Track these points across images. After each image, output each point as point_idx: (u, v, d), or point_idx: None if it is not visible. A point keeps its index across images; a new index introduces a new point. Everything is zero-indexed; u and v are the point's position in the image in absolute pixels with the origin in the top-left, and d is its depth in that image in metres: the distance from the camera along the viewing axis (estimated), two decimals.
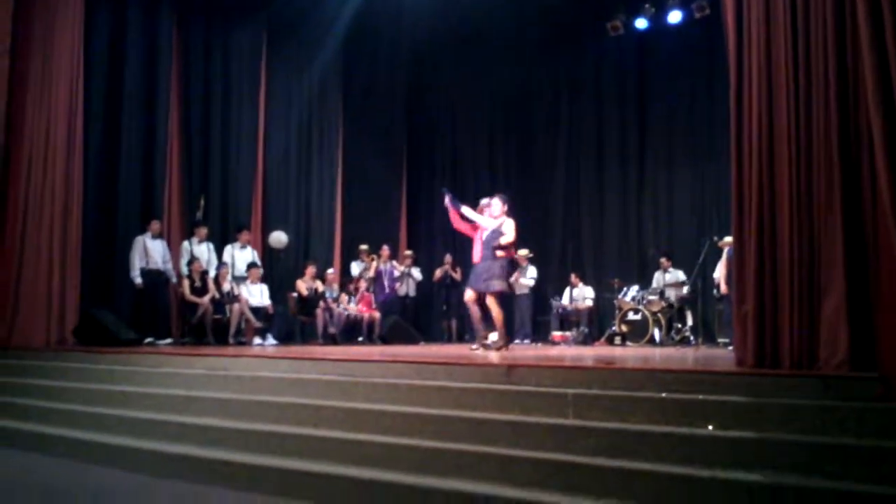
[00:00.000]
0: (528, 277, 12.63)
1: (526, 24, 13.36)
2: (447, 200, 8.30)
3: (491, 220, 7.95)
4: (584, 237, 13.69)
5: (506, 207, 7.96)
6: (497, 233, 7.82)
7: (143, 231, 9.65)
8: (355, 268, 12.25)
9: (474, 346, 7.99)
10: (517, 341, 12.31)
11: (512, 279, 12.52)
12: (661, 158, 13.17)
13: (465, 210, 8.19)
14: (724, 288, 9.81)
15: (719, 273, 10.23)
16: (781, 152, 4.64)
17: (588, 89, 13.96)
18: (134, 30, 10.42)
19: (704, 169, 12.56)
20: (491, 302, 7.71)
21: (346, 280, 12.08)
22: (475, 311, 7.91)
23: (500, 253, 7.74)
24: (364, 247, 12.32)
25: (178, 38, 11.07)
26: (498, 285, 7.70)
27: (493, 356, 6.56)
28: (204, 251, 10.14)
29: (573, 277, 12.45)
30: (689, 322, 11.24)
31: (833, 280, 4.35)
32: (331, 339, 10.79)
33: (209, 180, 11.33)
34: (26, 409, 6.26)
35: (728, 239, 9.49)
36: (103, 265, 9.74)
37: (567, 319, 12.31)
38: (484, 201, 8.33)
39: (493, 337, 8.00)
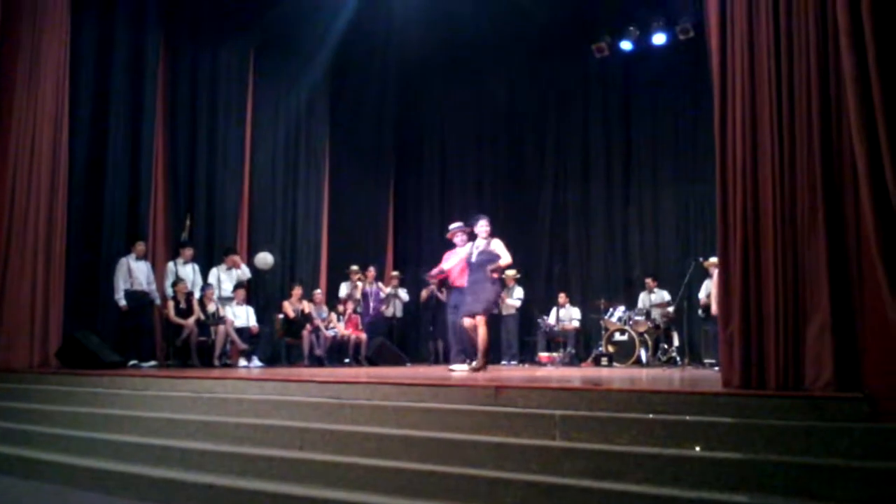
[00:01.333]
0: (514, 298, 12.63)
1: (514, 45, 13.47)
2: (431, 280, 8.59)
3: (468, 246, 8.11)
4: (570, 257, 13.71)
5: (490, 228, 8.03)
6: (487, 253, 7.84)
7: (127, 252, 9.59)
8: (344, 288, 12.21)
9: (453, 368, 7.97)
10: (504, 362, 12.29)
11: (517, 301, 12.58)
12: (647, 179, 13.24)
13: (446, 265, 8.54)
14: (714, 309, 9.80)
15: (704, 294, 10.25)
16: (765, 174, 4.69)
17: (574, 110, 14.04)
18: (121, 46, 10.37)
19: (689, 190, 12.64)
20: (481, 323, 7.67)
21: (335, 301, 12.02)
22: (484, 333, 7.72)
23: (495, 275, 7.81)
24: (354, 267, 12.29)
25: (165, 55, 11.04)
26: (491, 307, 7.82)
27: (479, 378, 6.55)
28: (189, 272, 10.09)
29: (562, 297, 12.45)
30: (676, 343, 11.26)
31: (818, 301, 4.38)
32: (317, 361, 10.73)
33: (195, 200, 11.26)
34: (8, 433, 6.17)
35: (714, 259, 9.53)
36: (87, 286, 9.64)
37: (553, 340, 12.30)
38: (454, 225, 8.66)
39: (461, 367, 7.96)
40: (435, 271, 8.74)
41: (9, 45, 8.60)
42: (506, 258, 7.85)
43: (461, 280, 8.20)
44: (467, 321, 7.76)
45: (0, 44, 8.50)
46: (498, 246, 7.90)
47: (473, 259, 7.92)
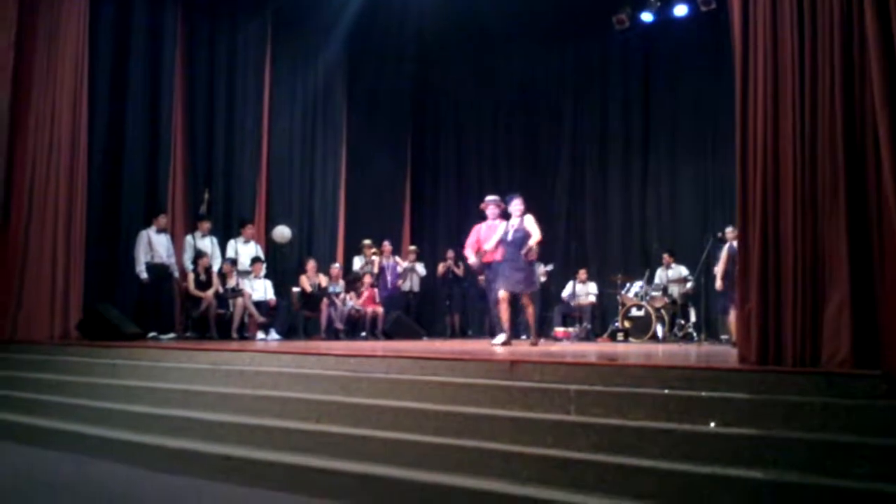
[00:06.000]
0: (539, 273, 12.52)
1: (532, 18, 13.30)
2: (473, 266, 8.84)
3: (505, 224, 8.22)
4: (587, 232, 13.64)
5: (524, 207, 8.24)
6: (521, 230, 8.03)
7: (147, 225, 9.64)
8: (357, 263, 12.24)
9: (495, 342, 8.11)
10: (523, 337, 12.27)
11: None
12: (665, 154, 13.11)
13: (487, 245, 8.33)
14: (719, 284, 9.75)
15: (719, 268, 10.18)
16: (786, 150, 4.63)
17: (593, 84, 13.90)
18: (139, 22, 10.36)
19: (708, 165, 12.51)
20: (527, 301, 8.15)
21: (350, 276, 12.02)
22: (505, 309, 8.02)
23: (532, 256, 8.05)
24: (367, 241, 12.30)
25: (182, 31, 11.03)
26: (534, 285, 8.22)
27: (501, 351, 6.63)
28: (207, 245, 10.12)
29: (582, 273, 12.41)
30: (693, 318, 11.22)
31: (837, 278, 4.34)
32: (334, 335, 10.79)
33: (213, 174, 11.31)
34: (30, 404, 6.28)
35: (730, 230, 9.44)
36: (107, 259, 9.72)
37: (569, 315, 12.28)
38: (490, 198, 8.66)
39: (502, 338, 8.05)
40: (472, 249, 8.51)
41: (29, 18, 8.62)
42: (535, 235, 7.99)
43: (496, 255, 8.24)
44: (501, 294, 7.97)
45: (20, 16, 8.51)
46: (529, 222, 8.09)
47: (510, 237, 8.07)
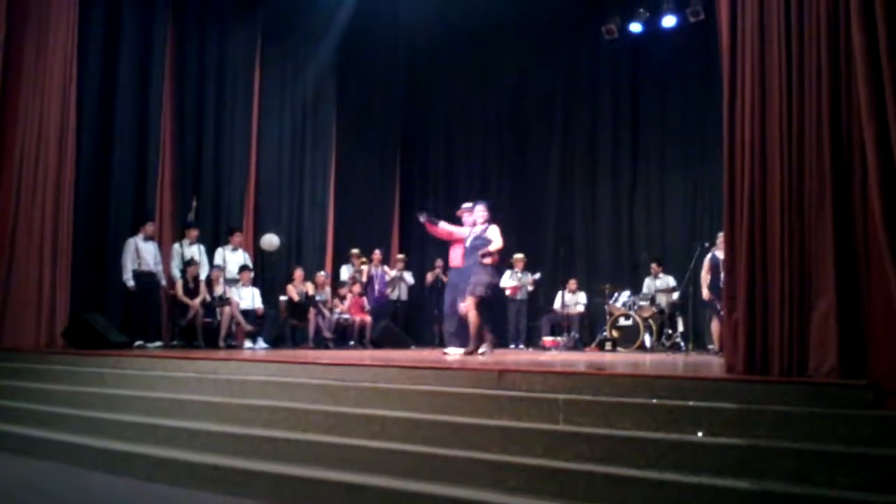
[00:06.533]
0: (524, 282, 12.53)
1: (522, 29, 13.39)
2: (423, 219, 8.64)
3: (470, 228, 8.10)
4: (576, 242, 13.67)
5: (488, 214, 8.06)
6: (482, 238, 7.86)
7: (134, 232, 9.59)
8: (345, 272, 12.21)
9: (447, 351, 7.97)
10: (512, 346, 12.27)
11: (516, 283, 12.49)
12: (654, 164, 13.18)
13: (443, 225, 8.48)
14: (706, 293, 9.78)
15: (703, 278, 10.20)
16: (773, 159, 4.66)
17: (582, 94, 13.96)
18: (128, 27, 10.33)
19: (697, 175, 12.57)
20: (471, 306, 7.62)
21: (337, 284, 12.00)
22: (474, 317, 7.65)
23: (487, 260, 7.73)
24: (355, 251, 12.29)
25: (172, 36, 10.97)
26: (481, 290, 7.64)
27: (484, 361, 6.58)
28: (195, 253, 10.08)
29: (572, 283, 12.42)
30: (680, 328, 11.24)
31: (823, 288, 4.37)
32: (322, 343, 10.75)
33: (202, 181, 11.26)
34: (14, 412, 6.22)
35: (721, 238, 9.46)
36: (94, 267, 9.66)
37: (558, 325, 12.29)
38: (466, 205, 8.52)
39: (483, 347, 7.85)
40: (427, 219, 8.63)
41: (17, 24, 8.58)
42: (496, 243, 7.80)
43: (458, 262, 8.20)
44: (461, 305, 7.77)
45: (8, 23, 8.47)
46: (492, 231, 7.91)
47: (468, 243, 7.95)
